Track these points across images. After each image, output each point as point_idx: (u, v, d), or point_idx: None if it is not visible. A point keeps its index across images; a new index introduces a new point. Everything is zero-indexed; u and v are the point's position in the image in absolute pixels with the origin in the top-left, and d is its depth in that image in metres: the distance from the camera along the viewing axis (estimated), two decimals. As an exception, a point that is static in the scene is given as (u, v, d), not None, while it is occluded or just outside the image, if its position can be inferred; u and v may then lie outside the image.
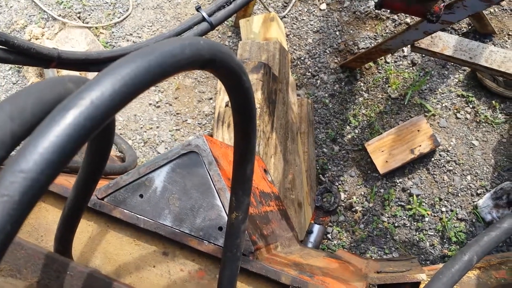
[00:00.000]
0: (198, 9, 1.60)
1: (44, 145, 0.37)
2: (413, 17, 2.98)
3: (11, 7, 3.87)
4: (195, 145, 1.11)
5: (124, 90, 0.42)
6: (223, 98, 2.00)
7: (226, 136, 1.87)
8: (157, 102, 3.26)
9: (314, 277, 1.01)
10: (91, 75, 2.94)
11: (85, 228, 1.17)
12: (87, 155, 0.73)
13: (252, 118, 0.72)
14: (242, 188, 0.81)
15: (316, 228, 1.89)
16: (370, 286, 1.20)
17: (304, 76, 3.09)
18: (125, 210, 1.12)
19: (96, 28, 3.56)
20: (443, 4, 1.60)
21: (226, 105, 1.93)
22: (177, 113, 3.23)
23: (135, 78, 0.43)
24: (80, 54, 1.31)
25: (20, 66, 3.84)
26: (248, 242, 1.03)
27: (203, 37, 1.59)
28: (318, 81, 3.05)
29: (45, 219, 1.18)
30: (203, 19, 1.59)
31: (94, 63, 1.35)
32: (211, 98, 3.21)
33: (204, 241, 1.05)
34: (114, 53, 1.39)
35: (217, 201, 1.07)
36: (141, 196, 1.13)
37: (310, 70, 3.09)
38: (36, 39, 3.61)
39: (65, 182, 1.20)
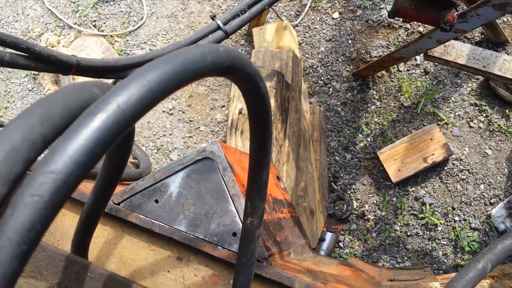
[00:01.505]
0: (213, 17, 1.62)
1: (73, 147, 0.39)
2: (426, 26, 2.98)
3: (27, 15, 3.95)
4: (210, 151, 1.13)
5: (149, 95, 0.43)
6: (236, 105, 2.02)
7: (239, 143, 1.88)
8: (170, 110, 3.29)
9: (327, 284, 1.01)
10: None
11: (101, 232, 1.19)
12: (106, 161, 0.75)
13: (268, 124, 0.73)
14: (258, 194, 0.81)
15: (329, 236, 1.89)
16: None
17: (316, 84, 3.10)
18: (140, 215, 1.13)
19: (111, 36, 3.61)
20: (456, 13, 1.61)
21: (239, 113, 1.95)
22: (190, 121, 3.26)
23: (160, 83, 0.44)
24: (98, 61, 1.34)
25: (36, 73, 3.91)
26: (262, 248, 1.04)
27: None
28: (331, 89, 3.06)
29: (62, 223, 1.20)
30: (218, 28, 1.61)
31: (112, 70, 1.38)
32: (223, 106, 3.23)
33: (218, 247, 1.06)
34: (131, 60, 1.41)
35: (231, 207, 1.08)
36: (157, 201, 1.14)
37: (322, 78, 3.10)
38: (52, 46, 3.68)
39: (82, 187, 1.22)
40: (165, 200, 1.14)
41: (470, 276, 0.82)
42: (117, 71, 1.41)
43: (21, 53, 1.14)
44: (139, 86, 0.43)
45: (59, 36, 3.77)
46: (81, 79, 3.32)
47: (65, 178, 0.38)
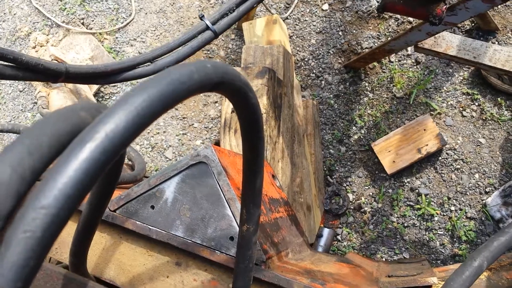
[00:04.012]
0: (201, 17, 1.61)
1: (63, 180, 0.38)
2: (416, 16, 2.98)
3: (14, 14, 3.91)
4: (204, 155, 1.12)
5: (137, 121, 0.43)
6: (229, 104, 2.01)
7: (233, 142, 1.88)
8: (163, 108, 3.27)
9: (325, 285, 1.02)
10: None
11: (99, 240, 1.19)
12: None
13: (260, 132, 0.73)
14: (253, 201, 0.82)
15: (326, 231, 1.90)
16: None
17: (308, 78, 3.10)
18: (137, 222, 1.13)
19: (100, 34, 3.58)
20: (445, 6, 1.60)
21: (232, 111, 1.94)
22: (184, 117, 3.25)
23: (147, 108, 0.44)
24: (88, 67, 1.32)
25: (27, 75, 3.87)
26: (259, 251, 1.04)
27: (207, 46, 1.60)
28: (323, 82, 3.05)
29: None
30: (207, 28, 1.60)
31: (102, 76, 1.37)
32: (216, 102, 3.22)
33: (216, 251, 1.06)
34: (121, 65, 1.40)
35: (228, 211, 1.09)
36: (153, 207, 1.14)
37: (314, 71, 3.10)
38: (41, 46, 3.64)
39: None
40: (161, 206, 1.14)
41: (466, 275, 0.83)
42: (107, 76, 1.40)
43: (8, 63, 1.13)
44: (126, 112, 0.42)
45: (47, 35, 3.73)
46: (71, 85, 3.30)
47: (56, 212, 0.38)
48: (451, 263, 2.45)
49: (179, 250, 1.11)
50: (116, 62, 1.42)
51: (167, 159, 3.19)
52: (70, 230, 1.20)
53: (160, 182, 1.15)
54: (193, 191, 1.12)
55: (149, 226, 1.12)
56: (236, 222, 1.07)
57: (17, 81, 3.94)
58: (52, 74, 1.22)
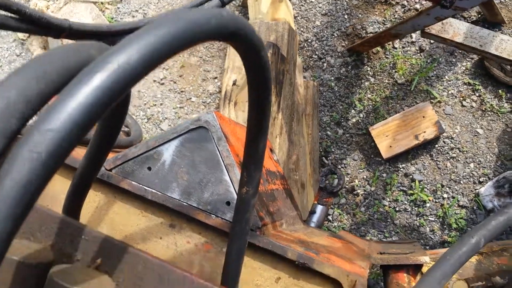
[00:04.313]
0: (209, -16, 1.57)
1: (73, 105, 0.37)
2: (423, 3, 2.95)
3: (16, -23, 3.82)
4: (205, 120, 1.11)
5: (150, 56, 0.42)
6: (230, 76, 1.99)
7: (232, 114, 1.87)
8: (161, 79, 3.25)
9: (319, 254, 1.02)
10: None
11: (93, 198, 1.18)
12: (100, 125, 0.73)
13: (268, 93, 0.72)
14: (254, 163, 0.81)
15: (319, 208, 1.91)
16: (373, 266, 1.21)
17: (310, 59, 3.07)
18: (133, 182, 1.12)
19: (102, 3, 3.52)
20: (457, -12, 1.58)
21: (234, 84, 1.92)
22: (181, 91, 3.22)
23: (162, 44, 0.42)
24: (91, 26, 1.30)
25: (24, 38, 3.82)
26: (255, 217, 1.04)
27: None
28: (325, 64, 3.03)
29: (52, 188, 1.19)
30: (214, -5, 1.57)
31: (105, 36, 1.34)
32: (216, 77, 3.20)
33: (212, 215, 1.06)
34: (125, 26, 1.37)
35: (226, 177, 1.08)
36: (149, 168, 1.13)
37: (317, 52, 3.07)
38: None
39: (73, 153, 1.20)
40: (158, 168, 1.13)
41: (463, 251, 0.83)
42: (109, 37, 1.37)
43: (12, 15, 1.10)
44: (140, 46, 0.41)
45: (48, 1, 3.66)
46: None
47: (64, 136, 0.37)
48: (439, 249, 2.47)
49: (174, 212, 1.10)
50: (120, 24, 1.39)
51: (162, 131, 3.18)
52: (63, 187, 1.19)
53: (159, 144, 1.14)
54: (191, 155, 1.11)
55: (145, 187, 1.12)
56: (234, 188, 1.07)
57: (14, 46, 3.89)
58: (55, 29, 1.19)
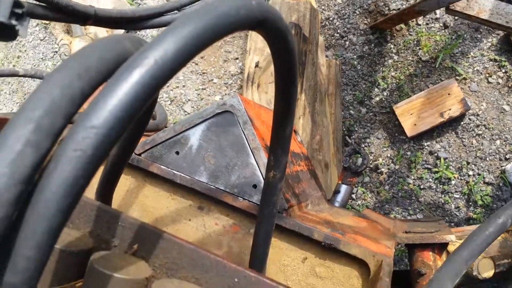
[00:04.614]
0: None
1: (113, 102, 0.39)
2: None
3: (37, -38, 3.86)
4: (230, 104, 1.13)
5: (185, 50, 0.43)
6: (253, 58, 1.99)
7: (255, 96, 1.87)
8: (183, 61, 3.26)
9: (345, 235, 1.04)
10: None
11: (123, 182, 1.22)
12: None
13: (295, 79, 0.72)
14: (281, 147, 0.82)
15: (344, 188, 1.91)
16: (399, 245, 1.23)
17: (332, 37, 3.04)
18: (161, 166, 1.15)
19: (123, -16, 3.53)
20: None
21: (256, 66, 1.93)
22: (203, 73, 3.23)
23: (195, 38, 0.44)
24: (116, 12, 1.31)
25: (47, 22, 3.87)
26: (282, 199, 1.06)
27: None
28: (347, 42, 2.99)
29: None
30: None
31: (129, 21, 1.36)
32: (237, 58, 3.19)
33: (239, 198, 1.08)
34: (148, 11, 1.38)
35: (252, 160, 1.10)
36: (177, 153, 1.16)
37: (338, 31, 3.03)
38: (63, -5, 3.61)
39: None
40: (185, 152, 1.15)
41: (490, 231, 0.84)
42: (134, 22, 1.39)
43: (39, 3, 1.13)
44: (175, 40, 0.42)
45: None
46: (92, 29, 3.29)
47: (106, 132, 0.38)
48: (464, 226, 2.46)
49: (202, 195, 1.13)
50: (143, 8, 1.40)
51: (186, 113, 3.20)
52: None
53: (186, 129, 1.16)
54: (218, 139, 1.13)
55: (173, 171, 1.14)
56: (260, 171, 1.09)
57: (37, 30, 3.95)
58: (81, 16, 1.22)
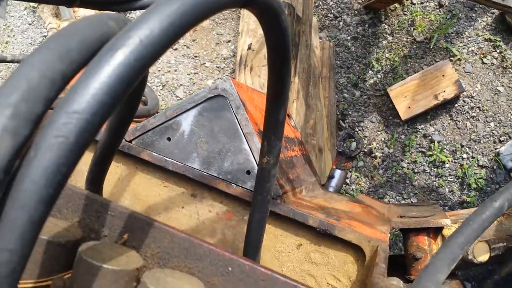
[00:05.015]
0: None
1: (96, 85, 0.37)
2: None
3: None
4: (222, 88, 1.10)
5: (171, 29, 0.40)
6: (245, 40, 1.95)
7: (248, 80, 1.84)
8: (174, 45, 3.21)
9: (340, 221, 1.02)
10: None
11: (114, 169, 1.19)
12: (120, 97, 0.72)
13: (288, 60, 0.70)
14: (275, 132, 0.80)
15: (338, 173, 1.90)
16: (393, 229, 1.22)
17: (326, 18, 3.00)
18: (153, 153, 1.13)
19: (112, -34, 3.45)
20: None
21: (249, 48, 1.89)
22: (195, 56, 3.19)
23: (181, 16, 0.41)
24: (103, -7, 1.27)
25: (35, 6, 3.78)
26: (276, 185, 1.04)
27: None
28: (341, 23, 2.96)
29: (75, 160, 1.20)
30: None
31: (117, 3, 1.32)
32: (229, 41, 3.15)
33: (232, 184, 1.06)
34: (137, -8, 1.35)
35: (245, 145, 1.08)
36: (169, 139, 1.13)
37: (332, 11, 2.99)
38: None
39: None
40: (177, 138, 1.13)
41: (486, 215, 0.82)
42: (123, 3, 1.35)
43: (23, -16, 1.09)
44: (160, 19, 0.40)
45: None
46: (82, 12, 3.22)
47: (90, 118, 0.36)
48: (459, 209, 2.47)
49: (195, 182, 1.11)
50: (131, -11, 1.36)
51: (178, 98, 3.17)
52: (85, 159, 1.20)
53: (177, 114, 1.14)
54: (210, 124, 1.11)
55: (165, 158, 1.12)
56: (253, 157, 1.07)
57: (26, 14, 3.86)
58: (67, -2, 1.18)
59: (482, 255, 1.24)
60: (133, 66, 0.38)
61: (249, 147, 1.07)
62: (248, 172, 1.06)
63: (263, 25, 0.62)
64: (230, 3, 0.48)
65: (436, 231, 1.22)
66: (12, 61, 2.25)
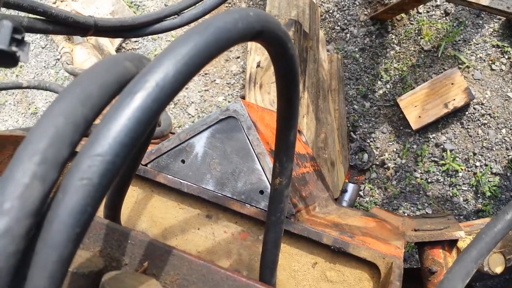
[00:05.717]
0: (227, -32, 1.56)
1: (117, 128, 0.39)
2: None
3: (35, -29, 3.86)
4: (233, 110, 1.13)
5: (185, 70, 0.43)
6: (254, 58, 1.98)
7: (258, 97, 1.87)
8: (185, 63, 3.25)
9: (354, 237, 1.03)
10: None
11: (131, 193, 1.22)
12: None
13: (296, 85, 0.72)
14: (286, 154, 0.82)
15: (351, 187, 1.91)
16: (408, 242, 1.22)
17: (333, 30, 3.02)
18: (168, 176, 1.15)
19: (121, -11, 3.53)
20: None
21: (258, 66, 1.92)
22: (205, 73, 3.23)
23: (195, 56, 0.44)
24: (116, 20, 1.31)
25: (48, 31, 3.87)
26: (289, 204, 1.05)
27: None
28: (348, 35, 2.98)
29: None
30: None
31: (130, 29, 1.36)
32: (238, 57, 3.19)
33: (246, 204, 1.08)
34: (148, 17, 1.38)
35: (257, 165, 1.10)
36: (183, 161, 1.16)
37: (339, 23, 3.02)
38: (62, 1, 3.62)
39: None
40: (191, 160, 1.15)
41: (498, 228, 0.83)
42: (134, 30, 1.39)
43: (38, 16, 1.13)
44: (174, 61, 0.42)
45: (67, -10, 3.69)
46: (95, 37, 3.29)
47: (112, 159, 0.38)
48: (474, 218, 2.45)
49: (209, 203, 1.13)
50: (143, 16, 1.40)
51: (190, 116, 3.20)
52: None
53: (190, 136, 1.16)
54: (223, 145, 1.13)
55: (180, 180, 1.14)
56: (266, 176, 1.08)
57: (39, 38, 3.95)
58: (81, 28, 1.22)
59: (497, 266, 1.23)
60: (150, 108, 0.40)
61: (262, 167, 1.09)
62: (262, 192, 1.08)
63: (271, 54, 0.64)
64: (240, 39, 0.50)
65: (450, 244, 1.22)
66: (28, 87, 2.30)
